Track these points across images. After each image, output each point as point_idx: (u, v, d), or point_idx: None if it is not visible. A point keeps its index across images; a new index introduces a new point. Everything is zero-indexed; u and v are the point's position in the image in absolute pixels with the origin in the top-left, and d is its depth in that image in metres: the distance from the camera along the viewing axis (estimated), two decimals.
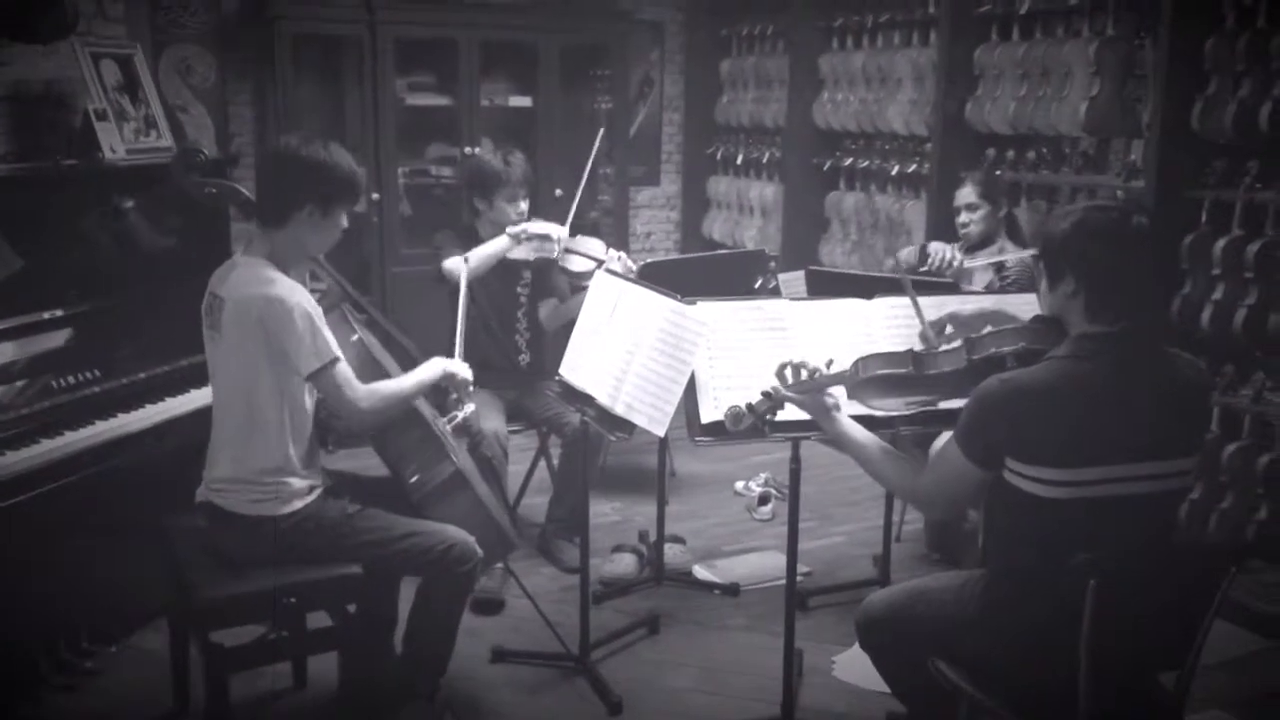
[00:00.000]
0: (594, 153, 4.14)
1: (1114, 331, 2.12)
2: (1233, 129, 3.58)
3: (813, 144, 5.60)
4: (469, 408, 2.98)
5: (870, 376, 2.36)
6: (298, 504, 2.60)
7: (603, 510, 4.41)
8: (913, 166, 4.99)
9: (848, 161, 5.39)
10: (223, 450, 2.61)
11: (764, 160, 5.96)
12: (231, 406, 2.58)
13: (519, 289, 4.02)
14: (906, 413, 2.55)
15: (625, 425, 2.92)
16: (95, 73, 3.24)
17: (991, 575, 2.28)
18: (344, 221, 2.67)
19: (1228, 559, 2.00)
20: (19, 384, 2.80)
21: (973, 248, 3.95)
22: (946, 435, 2.37)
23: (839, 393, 2.50)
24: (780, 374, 2.52)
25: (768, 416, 2.52)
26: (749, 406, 2.50)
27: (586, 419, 3.07)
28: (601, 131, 4.27)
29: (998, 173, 4.36)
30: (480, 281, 3.80)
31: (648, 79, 6.45)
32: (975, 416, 2.15)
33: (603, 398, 2.98)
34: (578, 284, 3.97)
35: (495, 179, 3.85)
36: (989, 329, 2.37)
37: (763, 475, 4.72)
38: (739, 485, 4.73)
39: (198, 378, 3.22)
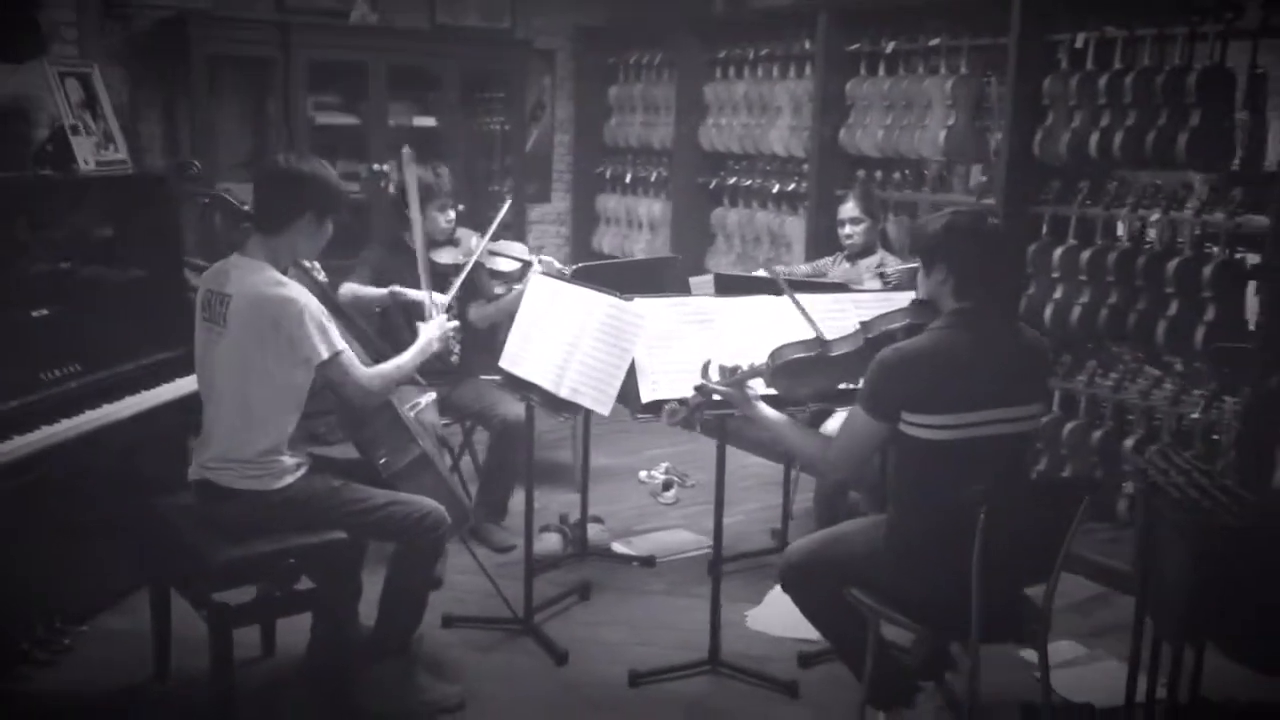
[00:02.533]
0: (501, 214, 4.44)
1: (976, 306, 2.65)
2: (1067, 155, 4.22)
3: (698, 164, 6.12)
4: (430, 396, 3.34)
5: (785, 362, 2.83)
6: (289, 479, 2.92)
7: (521, 499, 4.77)
8: (792, 185, 5.55)
9: (731, 180, 5.91)
10: (218, 432, 2.90)
11: (652, 179, 6.45)
12: (229, 393, 2.88)
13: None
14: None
15: (570, 407, 3.32)
16: (63, 90, 3.48)
17: (893, 514, 2.77)
18: (330, 229, 3.01)
19: (1082, 489, 2.55)
20: (11, 375, 3.03)
21: (854, 256, 4.51)
22: (839, 415, 2.82)
23: (756, 384, 2.96)
24: (705, 372, 2.96)
25: (699, 412, 2.96)
26: (682, 401, 2.93)
27: (531, 403, 3.47)
28: (508, 202, 4.59)
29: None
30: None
31: (539, 103, 6.87)
32: (876, 379, 2.65)
33: (547, 384, 3.37)
34: (504, 283, 4.39)
35: (427, 190, 4.20)
36: (877, 315, 2.89)
37: (663, 465, 5.17)
38: (642, 475, 5.17)
39: (167, 373, 3.50)
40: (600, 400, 3.23)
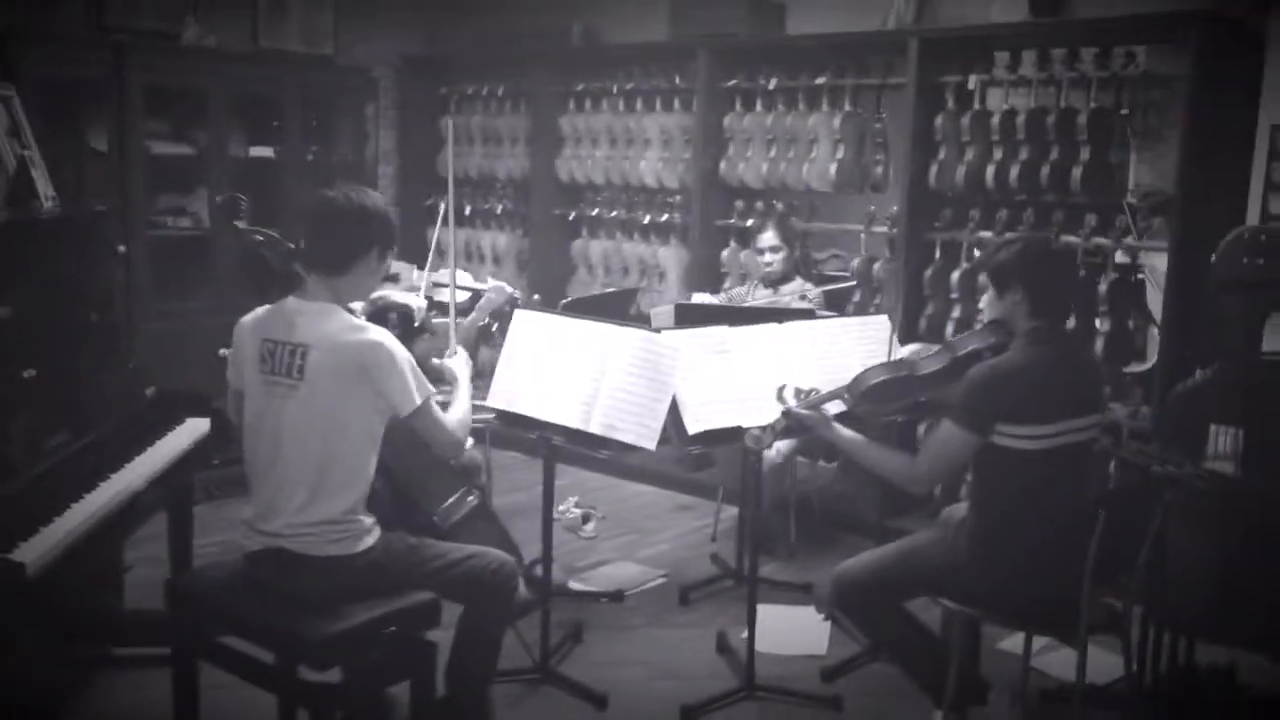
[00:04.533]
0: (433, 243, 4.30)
1: (1050, 324, 2.89)
2: (964, 185, 4.61)
3: (555, 196, 6.10)
4: (470, 443, 3.17)
5: (874, 384, 2.94)
6: (369, 540, 2.69)
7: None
8: (665, 216, 5.66)
9: (594, 212, 5.93)
10: (293, 496, 2.62)
11: (497, 211, 6.36)
12: (308, 451, 2.60)
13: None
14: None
15: (603, 443, 3.25)
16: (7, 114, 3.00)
17: (976, 521, 2.92)
18: (388, 265, 2.82)
19: (1162, 487, 2.83)
20: (16, 445, 2.59)
21: (775, 283, 4.69)
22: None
23: (831, 407, 3.06)
24: (781, 396, 3.03)
25: (779, 436, 3.03)
26: (768, 427, 2.99)
27: (553, 443, 3.37)
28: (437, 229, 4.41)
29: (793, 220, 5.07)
30: None
31: (364, 133, 6.57)
32: (973, 395, 2.81)
33: (571, 421, 3.29)
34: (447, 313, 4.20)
35: None
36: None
37: (571, 499, 5.12)
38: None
39: (146, 433, 3.11)
40: (644, 435, 3.19)
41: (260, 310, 2.76)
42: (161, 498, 2.92)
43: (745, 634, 3.79)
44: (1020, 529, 2.83)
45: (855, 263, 5.03)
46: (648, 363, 3.23)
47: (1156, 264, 4.34)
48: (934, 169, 4.69)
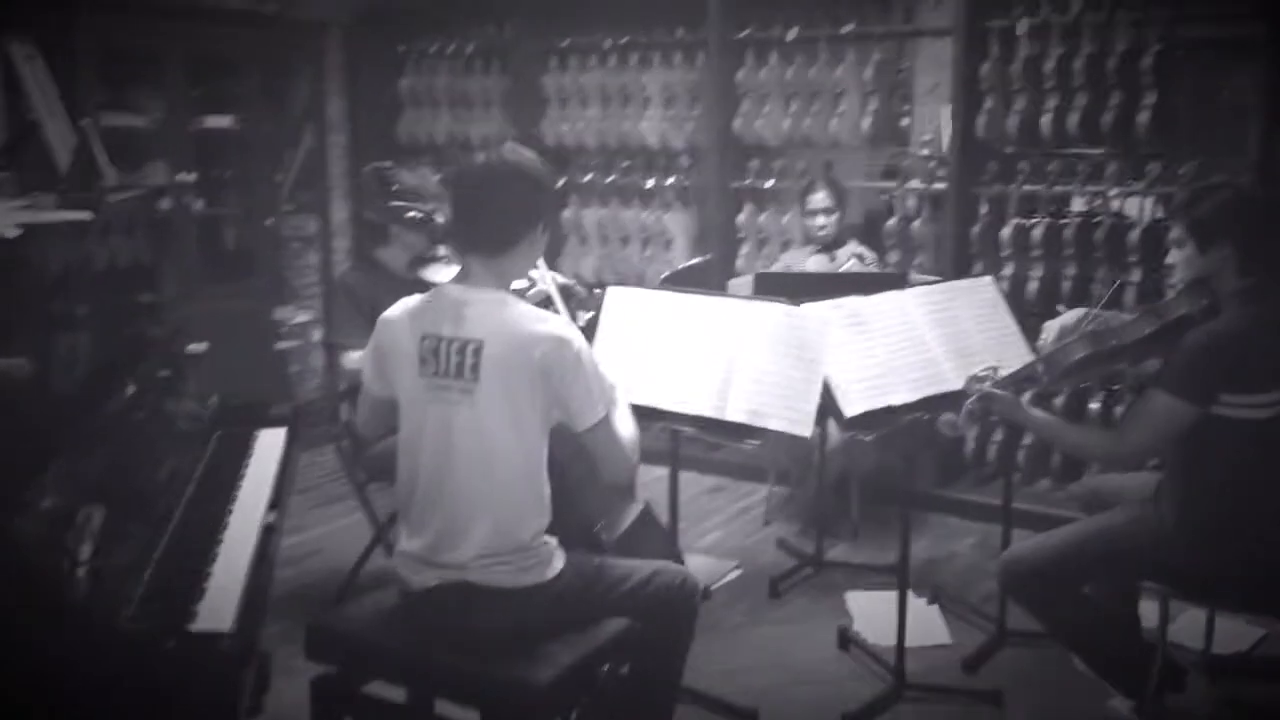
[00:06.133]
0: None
1: (1261, 281, 2.64)
2: (1017, 136, 4.40)
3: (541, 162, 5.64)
4: None
5: (1079, 359, 2.68)
6: (558, 564, 2.30)
7: None
8: (670, 179, 5.29)
9: (586, 178, 5.52)
10: (475, 520, 2.20)
11: None
12: (493, 466, 2.20)
13: None
14: None
15: (747, 432, 2.91)
16: (35, 78, 2.44)
17: (1189, 498, 2.67)
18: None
19: None
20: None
21: (829, 247, 4.39)
22: None
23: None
24: (970, 384, 2.77)
25: (980, 417, 2.78)
26: (967, 413, 2.72)
27: (682, 433, 3.02)
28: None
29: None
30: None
31: (320, 96, 5.97)
32: (1192, 364, 2.57)
33: (705, 409, 2.94)
34: None
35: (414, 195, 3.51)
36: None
37: None
38: None
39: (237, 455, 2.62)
40: (796, 420, 2.86)
41: (412, 301, 2.32)
42: (278, 525, 2.44)
43: (855, 625, 3.56)
44: (1244, 504, 2.62)
45: (891, 221, 4.78)
46: (791, 340, 2.91)
47: None
48: (981, 119, 4.47)
